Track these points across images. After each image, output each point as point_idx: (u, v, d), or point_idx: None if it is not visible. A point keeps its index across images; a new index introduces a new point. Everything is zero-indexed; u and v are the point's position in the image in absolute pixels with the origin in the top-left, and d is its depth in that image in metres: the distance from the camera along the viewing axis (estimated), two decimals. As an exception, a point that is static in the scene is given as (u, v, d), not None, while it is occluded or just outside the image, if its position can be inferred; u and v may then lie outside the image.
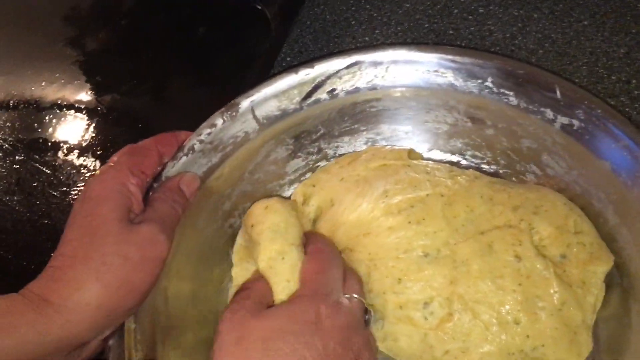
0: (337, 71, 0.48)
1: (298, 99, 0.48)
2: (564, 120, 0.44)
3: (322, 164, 0.51)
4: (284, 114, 0.48)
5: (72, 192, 0.55)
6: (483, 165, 0.50)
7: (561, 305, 0.40)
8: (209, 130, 0.46)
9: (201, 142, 0.45)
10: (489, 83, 0.46)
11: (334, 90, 0.48)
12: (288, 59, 0.61)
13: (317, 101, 0.49)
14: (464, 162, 0.50)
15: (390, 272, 0.42)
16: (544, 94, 0.45)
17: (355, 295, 0.39)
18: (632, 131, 0.42)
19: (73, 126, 0.59)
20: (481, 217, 0.44)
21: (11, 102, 0.61)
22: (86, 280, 0.35)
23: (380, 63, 0.48)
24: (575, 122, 0.44)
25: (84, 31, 0.67)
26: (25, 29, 0.67)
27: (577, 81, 0.55)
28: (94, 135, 0.58)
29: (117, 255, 0.36)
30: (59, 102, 0.60)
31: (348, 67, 0.48)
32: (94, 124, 0.59)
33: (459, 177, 0.47)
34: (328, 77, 0.48)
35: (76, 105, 0.60)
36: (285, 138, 0.49)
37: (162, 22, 0.68)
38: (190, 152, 0.45)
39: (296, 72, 0.48)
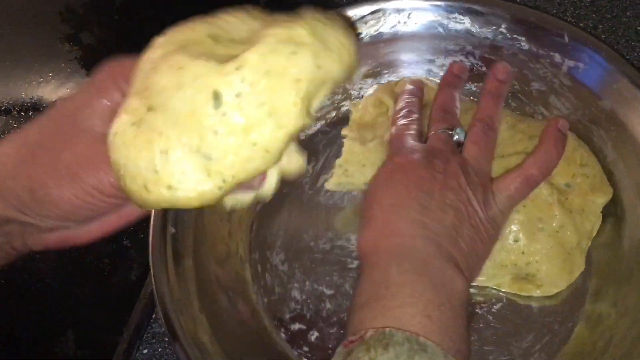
0: (363, 16, 0.52)
1: (326, 41, 0.52)
2: (571, 63, 0.48)
3: (346, 103, 0.55)
4: (313, 56, 0.53)
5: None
6: (495, 108, 0.54)
7: (559, 228, 0.44)
8: (244, 67, 0.51)
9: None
10: (503, 29, 0.50)
11: (359, 34, 0.53)
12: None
13: (344, 44, 0.53)
14: (478, 104, 0.54)
15: None
16: (553, 39, 0.48)
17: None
18: (631, 73, 0.45)
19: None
20: (504, 142, 0.48)
21: (10, 102, 0.63)
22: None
23: (402, 10, 0.52)
24: (581, 65, 0.47)
25: (79, 28, 0.70)
26: (21, 29, 0.69)
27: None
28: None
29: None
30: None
31: (373, 12, 0.52)
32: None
33: None
34: (354, 22, 0.52)
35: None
36: (313, 78, 0.53)
37: (153, 14, 0.70)
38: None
39: (325, 16, 0.52)
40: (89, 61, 0.66)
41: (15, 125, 0.62)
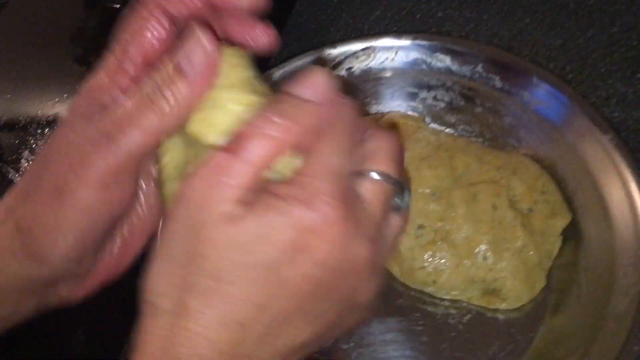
0: (355, 52, 0.58)
1: (321, 73, 0.58)
2: (538, 101, 0.54)
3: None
4: (309, 86, 0.58)
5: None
6: (472, 138, 0.59)
7: (522, 248, 0.50)
8: (246, 95, 0.56)
9: (240, 103, 0.56)
10: (479, 68, 0.56)
11: (351, 68, 0.58)
12: (278, 62, 0.65)
13: (337, 77, 0.59)
14: (456, 134, 0.60)
15: None
16: (523, 79, 0.54)
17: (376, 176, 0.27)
18: (590, 112, 0.51)
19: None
20: (473, 172, 0.54)
21: (27, 119, 0.67)
22: None
23: (390, 47, 0.58)
24: (547, 103, 0.53)
25: (89, 49, 0.74)
26: (37, 52, 0.74)
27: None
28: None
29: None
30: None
31: (364, 49, 0.58)
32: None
33: (457, 140, 0.57)
34: (347, 57, 0.58)
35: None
36: (309, 105, 0.59)
37: None
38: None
39: (321, 51, 0.58)
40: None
41: (31, 141, 0.66)
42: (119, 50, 0.30)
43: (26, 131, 0.67)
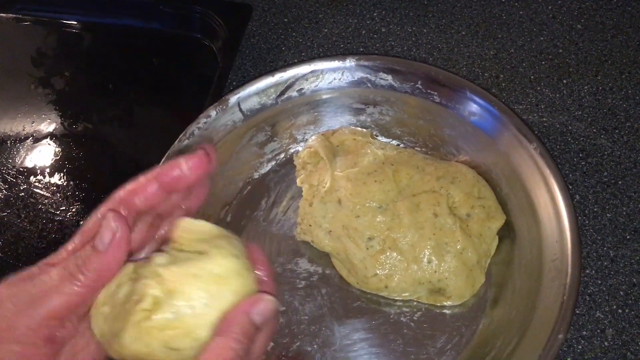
0: (304, 74, 0.62)
1: (274, 95, 0.63)
2: (473, 114, 0.59)
3: (293, 146, 0.65)
4: (263, 107, 0.63)
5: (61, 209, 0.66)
6: (416, 148, 0.64)
7: (462, 250, 0.55)
8: (205, 120, 0.60)
9: (199, 128, 0.60)
10: (419, 85, 0.61)
11: (302, 89, 0.63)
12: (234, 83, 0.72)
13: (289, 97, 0.63)
14: (402, 145, 0.65)
15: (354, 212, 0.57)
16: (458, 93, 0.59)
17: None
18: (518, 123, 0.57)
19: (55, 154, 0.70)
20: (415, 183, 0.59)
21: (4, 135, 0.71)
22: None
23: (337, 69, 0.62)
24: (481, 116, 0.59)
25: (51, 71, 0.77)
26: (6, 77, 0.77)
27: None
28: (73, 159, 0.69)
29: None
30: (36, 135, 0.72)
31: (313, 71, 0.62)
32: (73, 151, 0.70)
33: (402, 152, 0.62)
34: (297, 79, 0.62)
35: (54, 136, 0.71)
36: (265, 126, 0.63)
37: (119, 55, 0.78)
38: (191, 136, 0.59)
39: (272, 75, 0.62)
40: (62, 104, 0.75)
41: (3, 170, 0.69)
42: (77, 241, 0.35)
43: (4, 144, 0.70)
